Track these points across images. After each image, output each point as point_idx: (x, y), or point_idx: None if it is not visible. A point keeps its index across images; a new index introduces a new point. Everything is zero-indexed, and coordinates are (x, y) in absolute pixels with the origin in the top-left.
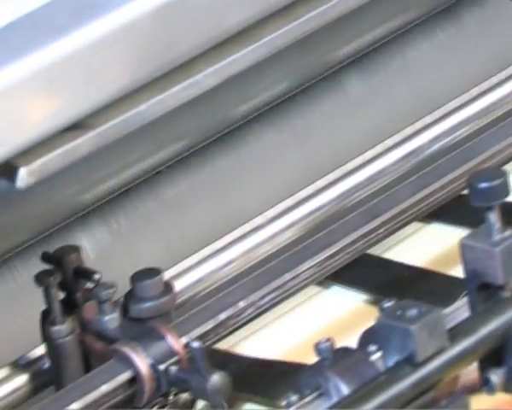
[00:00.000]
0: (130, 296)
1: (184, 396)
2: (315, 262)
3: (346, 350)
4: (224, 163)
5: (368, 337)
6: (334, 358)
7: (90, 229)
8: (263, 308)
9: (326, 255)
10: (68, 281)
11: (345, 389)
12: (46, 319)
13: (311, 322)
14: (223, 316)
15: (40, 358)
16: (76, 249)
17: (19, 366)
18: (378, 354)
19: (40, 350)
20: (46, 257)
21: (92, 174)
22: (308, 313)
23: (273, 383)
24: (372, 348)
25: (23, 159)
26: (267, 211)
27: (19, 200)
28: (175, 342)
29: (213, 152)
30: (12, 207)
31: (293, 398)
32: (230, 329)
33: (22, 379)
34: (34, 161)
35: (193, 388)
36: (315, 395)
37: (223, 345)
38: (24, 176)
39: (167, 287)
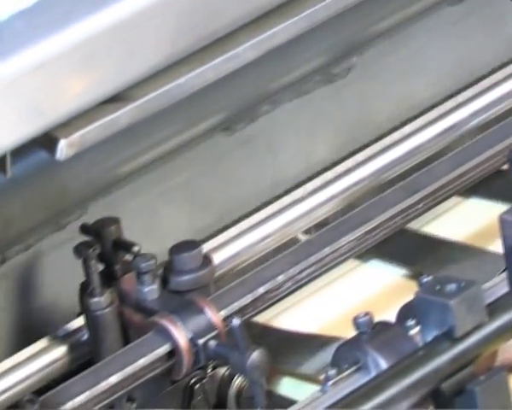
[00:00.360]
0: (168, 269)
1: (223, 370)
2: (354, 237)
3: (384, 324)
4: (261, 135)
5: (406, 312)
6: (372, 332)
7: (129, 201)
8: (301, 282)
9: (365, 230)
10: (107, 253)
11: (383, 364)
12: (85, 290)
13: (350, 296)
14: (261, 290)
15: (79, 330)
16: (115, 221)
17: (58, 337)
18: (416, 329)
19: (79, 322)
20: (85, 229)
21: (131, 147)
22: (346, 286)
23: (311, 356)
24: (410, 322)
25: (63, 131)
26: (306, 184)
27: (58, 171)
28: (214, 316)
29: (252, 125)
30: (51, 179)
31: (332, 372)
32: (269, 303)
33: (61, 351)
34: (74, 133)
35: (231, 363)
36: (353, 369)
37: (261, 318)
38: (63, 148)
39: (206, 260)
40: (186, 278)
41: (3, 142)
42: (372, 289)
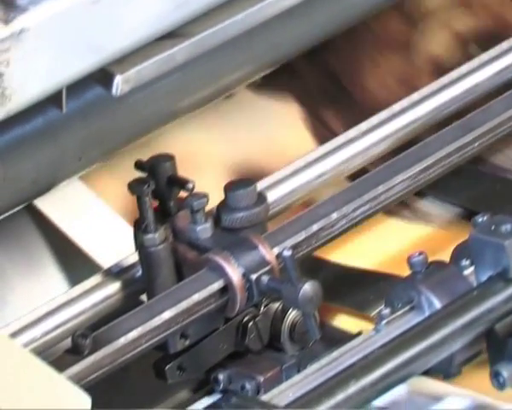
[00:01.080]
0: (222, 206)
1: (276, 306)
2: (408, 175)
3: (438, 264)
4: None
5: (461, 252)
6: (426, 272)
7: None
8: (355, 220)
9: (420, 168)
10: (162, 190)
11: (437, 304)
12: (139, 227)
13: (404, 234)
14: (315, 227)
15: (132, 266)
16: (170, 158)
17: (111, 273)
18: (471, 269)
19: (133, 258)
20: (140, 165)
21: (187, 83)
22: (401, 225)
23: (365, 293)
24: (465, 262)
25: (119, 66)
26: (361, 123)
27: (114, 107)
28: (267, 252)
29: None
30: (107, 115)
31: (385, 311)
32: (322, 240)
33: (115, 287)
34: (130, 69)
35: (284, 297)
36: (407, 308)
37: (314, 253)
38: (119, 83)
39: (260, 197)
40: (240, 215)
41: (60, 77)
42: (427, 228)
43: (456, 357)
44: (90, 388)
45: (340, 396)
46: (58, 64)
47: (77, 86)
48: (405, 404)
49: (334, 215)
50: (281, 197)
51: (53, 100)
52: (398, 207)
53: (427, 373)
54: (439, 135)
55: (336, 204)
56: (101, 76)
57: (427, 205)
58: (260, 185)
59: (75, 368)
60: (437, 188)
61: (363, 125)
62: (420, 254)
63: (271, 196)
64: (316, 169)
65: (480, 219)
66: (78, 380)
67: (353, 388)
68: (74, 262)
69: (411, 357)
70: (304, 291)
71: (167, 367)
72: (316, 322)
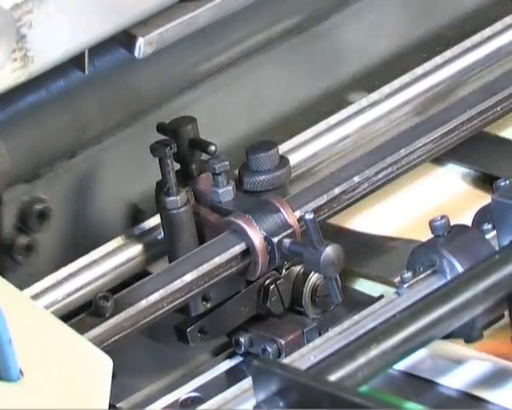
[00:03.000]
0: (244, 169)
1: (297, 270)
2: (430, 139)
3: (460, 228)
4: (340, 37)
5: (483, 216)
6: (448, 236)
7: (206, 100)
8: (377, 184)
9: (442, 132)
10: (183, 152)
11: (459, 267)
12: (161, 189)
13: (426, 199)
14: (337, 191)
15: (154, 229)
16: (192, 120)
17: (134, 235)
18: (493, 233)
19: (155, 221)
20: (162, 128)
21: (209, 46)
22: (423, 189)
23: (386, 258)
24: (487, 226)
25: (141, 29)
26: (383, 87)
27: (136, 69)
28: (289, 215)
29: (330, 24)
30: (130, 77)
31: (407, 275)
32: (344, 204)
33: (137, 249)
34: (152, 32)
35: (306, 260)
36: (429, 272)
37: (336, 221)
38: (142, 46)
39: (282, 160)
40: (262, 178)
41: (82, 39)
42: (449, 192)
43: (478, 321)
44: (111, 350)
45: (361, 360)
46: (80, 26)
47: (99, 49)
48: (427, 368)
49: (356, 179)
50: (303, 160)
51: (75, 62)
52: (420, 171)
53: (448, 337)
54: (462, 99)
55: (358, 168)
56: (124, 38)
57: (448, 171)
58: (282, 148)
59: (97, 330)
60: (458, 153)
61: (386, 89)
62: (442, 217)
63: (294, 159)
64: (338, 132)
65: (503, 183)
66: (99, 342)
67: (374, 351)
68: None
69: (433, 321)
70: (326, 254)
71: (189, 330)
72: (338, 286)
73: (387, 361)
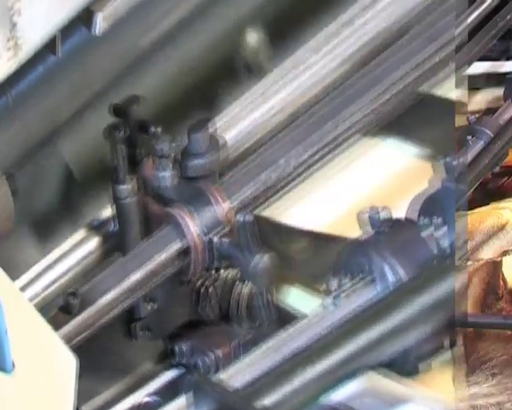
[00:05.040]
0: (184, 152)
1: (233, 274)
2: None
3: (401, 224)
4: None
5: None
6: (388, 233)
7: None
8: (310, 163)
9: (372, 96)
10: (133, 136)
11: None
12: (111, 177)
13: (366, 176)
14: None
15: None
16: (139, 99)
17: (93, 227)
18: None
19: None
20: (116, 110)
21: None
22: (363, 166)
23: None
24: (436, 220)
25: (99, 4)
26: None
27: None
28: (223, 210)
29: None
30: (94, 56)
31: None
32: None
33: (94, 243)
34: (108, 6)
35: (240, 266)
36: (359, 283)
37: (272, 213)
38: (100, 21)
39: (214, 142)
40: (196, 162)
41: (55, 20)
42: (388, 168)
43: (413, 352)
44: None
45: (295, 383)
46: (54, 7)
47: (69, 31)
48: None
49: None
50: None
51: (50, 46)
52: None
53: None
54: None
55: (286, 148)
56: (86, 16)
57: (389, 147)
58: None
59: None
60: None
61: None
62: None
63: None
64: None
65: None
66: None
67: (310, 373)
68: None
69: (364, 346)
70: (260, 264)
71: (132, 325)
72: (269, 298)
73: (324, 385)
